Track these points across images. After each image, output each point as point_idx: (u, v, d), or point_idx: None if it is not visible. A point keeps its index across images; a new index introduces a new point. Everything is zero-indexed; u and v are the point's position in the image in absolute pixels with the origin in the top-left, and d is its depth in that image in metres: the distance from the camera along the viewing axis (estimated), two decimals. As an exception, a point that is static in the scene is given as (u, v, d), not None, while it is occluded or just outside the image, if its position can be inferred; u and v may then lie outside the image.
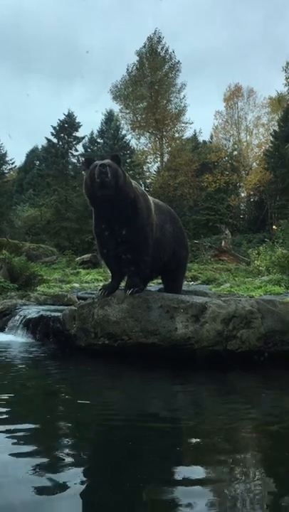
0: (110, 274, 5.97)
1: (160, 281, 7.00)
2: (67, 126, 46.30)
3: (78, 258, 30.28)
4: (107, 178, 5.00)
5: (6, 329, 6.77)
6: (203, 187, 49.13)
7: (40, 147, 54.16)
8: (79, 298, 12.82)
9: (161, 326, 5.13)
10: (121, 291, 5.59)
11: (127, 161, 49.06)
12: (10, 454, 2.84)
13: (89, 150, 51.41)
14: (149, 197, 5.96)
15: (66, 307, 6.67)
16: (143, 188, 6.37)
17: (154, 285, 17.31)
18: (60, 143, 47.14)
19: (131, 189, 5.40)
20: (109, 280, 5.95)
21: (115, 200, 5.20)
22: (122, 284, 5.94)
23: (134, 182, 5.72)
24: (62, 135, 46.86)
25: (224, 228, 37.18)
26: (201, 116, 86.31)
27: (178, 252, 6.28)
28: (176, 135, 53.75)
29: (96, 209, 5.52)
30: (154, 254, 5.71)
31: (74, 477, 2.57)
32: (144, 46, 52.04)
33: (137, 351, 5.22)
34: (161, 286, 6.75)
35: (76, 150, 47.91)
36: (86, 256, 29.91)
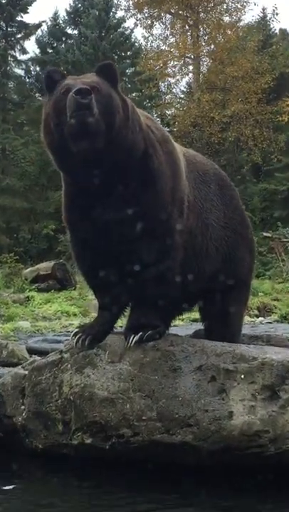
0: (96, 302, 5.95)
1: (197, 314, 6.97)
2: (6, 1, 46.60)
3: (29, 270, 30.37)
4: (90, 118, 4.97)
5: None
6: (280, 124, 49.13)
7: None
8: (31, 351, 12.84)
9: (201, 409, 5.09)
10: (118, 338, 5.57)
11: (127, 71, 49.33)
12: None
13: (50, 51, 51.73)
14: (176, 146, 5.97)
15: (5, 370, 6.64)
16: (163, 128, 6.35)
17: (184, 324, 17.30)
18: (-8, 36, 47.46)
19: (139, 133, 5.42)
20: (93, 315, 5.94)
21: (107, 158, 5.23)
22: (120, 323, 5.92)
23: (145, 116, 5.75)
24: (-5, 21, 47.20)
25: None
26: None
27: (235, 256, 6.34)
28: (226, 19, 53.89)
29: (69, 175, 5.56)
30: (186, 264, 5.74)
31: None
32: None
33: (149, 458, 5.19)
34: (199, 325, 6.73)
35: (24, 51, 48.25)
36: (44, 265, 29.98)
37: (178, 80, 55.55)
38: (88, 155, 5.12)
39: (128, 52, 51.84)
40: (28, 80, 49.42)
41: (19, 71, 49.45)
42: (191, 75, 54.89)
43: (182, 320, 15.37)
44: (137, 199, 5.38)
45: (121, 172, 5.32)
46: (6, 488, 5.33)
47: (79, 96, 4.88)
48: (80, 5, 53.76)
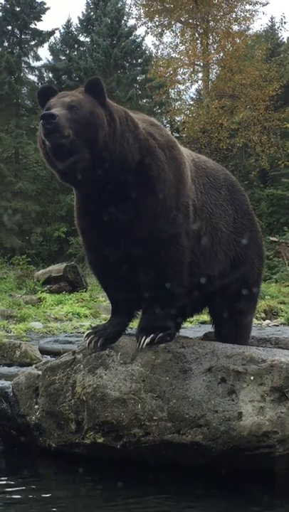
0: (107, 304, 5.96)
1: (205, 316, 6.98)
2: (21, 9, 46.69)
3: (41, 271, 30.33)
4: (63, 140, 5.08)
5: None
6: (287, 131, 49.08)
7: None
8: (44, 351, 12.82)
9: (211, 410, 5.11)
10: (130, 340, 5.60)
11: (138, 78, 49.27)
12: None
13: (63, 58, 51.75)
14: (182, 150, 5.98)
15: (19, 370, 6.65)
16: (169, 133, 6.33)
17: (194, 326, 17.17)
18: (6, 43, 47.51)
19: (133, 145, 5.44)
20: (104, 316, 5.96)
21: (96, 172, 5.29)
22: (132, 325, 5.92)
23: (148, 122, 5.76)
24: (9, 27, 47.26)
25: None
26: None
27: (244, 260, 6.35)
28: (235, 28, 53.91)
29: (74, 187, 5.70)
30: (195, 268, 5.76)
31: None
32: None
33: (160, 458, 5.21)
34: (208, 327, 6.73)
35: (37, 58, 48.26)
36: (56, 267, 29.92)
37: (187, 86, 55.55)
38: (72, 172, 5.27)
39: (139, 60, 51.62)
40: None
41: (32, 77, 49.37)
42: (200, 82, 54.94)
43: (191, 322, 15.35)
44: (139, 206, 5.43)
45: (118, 182, 5.37)
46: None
47: (44, 121, 5.03)
48: (92, 13, 53.61)
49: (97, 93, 5.32)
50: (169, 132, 6.19)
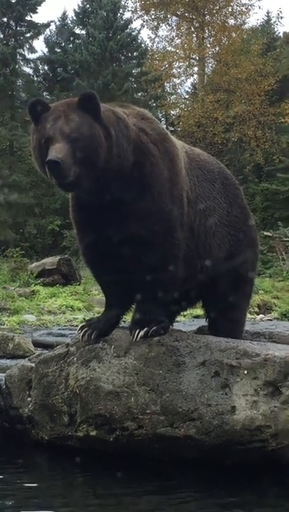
0: (100, 297, 5.97)
1: (198, 310, 6.97)
2: (16, 1, 46.61)
3: (34, 264, 30.31)
4: (70, 178, 5.04)
5: None
6: (282, 126, 49.10)
7: None
8: (37, 344, 12.83)
9: (204, 403, 5.12)
10: (123, 333, 5.60)
11: (133, 71, 49.25)
12: None
13: (58, 51, 51.70)
14: (175, 142, 5.97)
15: (12, 362, 6.64)
16: (161, 125, 6.28)
17: (187, 320, 17.16)
18: (2, 35, 47.44)
19: (127, 149, 5.40)
20: (97, 310, 5.96)
21: (96, 183, 5.31)
22: (126, 318, 5.92)
23: (140, 116, 5.74)
24: (5, 19, 47.19)
25: None
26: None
27: (238, 253, 6.34)
28: (231, 22, 53.91)
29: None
30: (189, 261, 5.76)
31: None
32: None
33: (152, 451, 5.22)
34: (202, 321, 6.73)
35: (33, 50, 48.22)
36: (50, 260, 29.90)
37: (183, 80, 55.59)
38: (70, 188, 5.43)
39: (134, 53, 51.59)
40: (36, 79, 49.31)
41: (28, 69, 49.36)
42: (195, 76, 55.00)
43: (184, 316, 15.37)
44: (135, 203, 5.43)
45: (114, 184, 5.37)
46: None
47: (53, 167, 4.94)
48: (88, 6, 53.59)
49: (91, 109, 5.20)
50: (160, 124, 6.15)
